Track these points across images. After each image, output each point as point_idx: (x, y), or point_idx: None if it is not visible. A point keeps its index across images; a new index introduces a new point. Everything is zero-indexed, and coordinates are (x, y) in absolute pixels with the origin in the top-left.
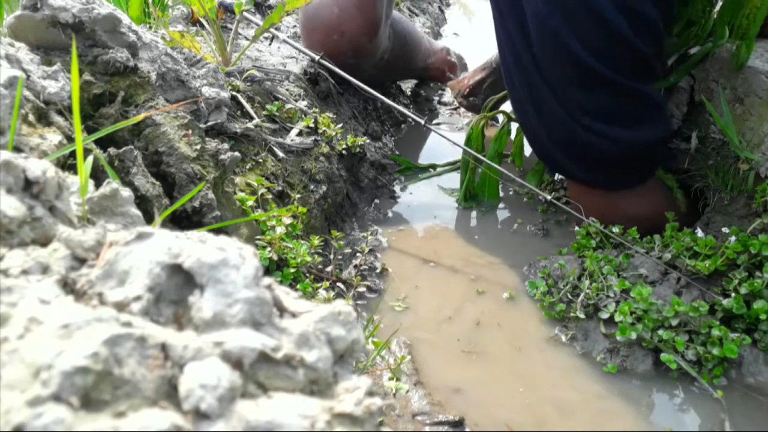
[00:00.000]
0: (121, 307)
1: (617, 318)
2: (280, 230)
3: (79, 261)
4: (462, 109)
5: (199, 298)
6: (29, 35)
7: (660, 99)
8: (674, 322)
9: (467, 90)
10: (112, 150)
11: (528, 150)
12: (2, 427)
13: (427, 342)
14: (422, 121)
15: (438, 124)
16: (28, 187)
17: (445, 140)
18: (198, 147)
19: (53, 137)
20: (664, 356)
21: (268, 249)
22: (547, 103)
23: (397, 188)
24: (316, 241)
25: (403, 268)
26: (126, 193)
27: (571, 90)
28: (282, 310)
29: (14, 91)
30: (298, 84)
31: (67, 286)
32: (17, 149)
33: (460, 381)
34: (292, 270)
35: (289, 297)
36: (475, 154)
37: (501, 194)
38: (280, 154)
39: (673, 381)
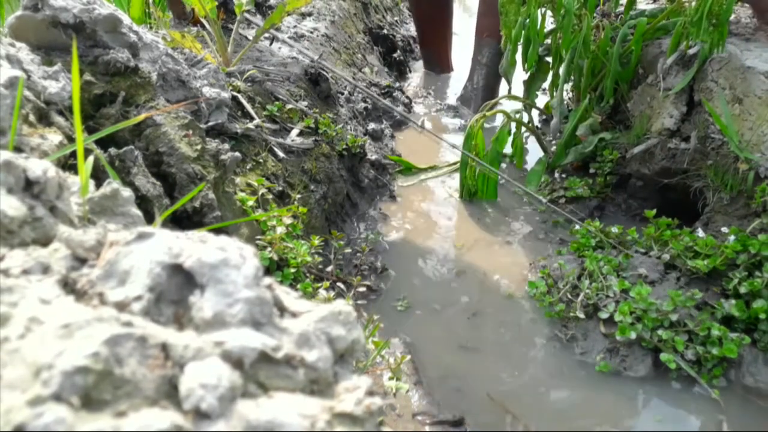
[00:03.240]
0: (121, 307)
1: (617, 318)
2: (280, 230)
3: (80, 261)
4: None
5: (200, 298)
6: (30, 35)
7: None
8: (674, 317)
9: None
10: (112, 150)
11: (527, 150)
12: (3, 427)
13: (428, 342)
14: (417, 125)
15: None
16: (29, 187)
17: (445, 141)
18: (198, 147)
19: (54, 137)
20: (663, 356)
21: (269, 249)
22: None
23: (397, 188)
24: (316, 241)
25: (404, 268)
26: (126, 193)
27: None
28: (282, 310)
29: (15, 92)
30: (298, 84)
31: (68, 286)
32: (18, 149)
33: (460, 381)
34: (293, 270)
35: (289, 297)
36: (481, 162)
37: (502, 196)
38: (281, 154)
39: (672, 381)
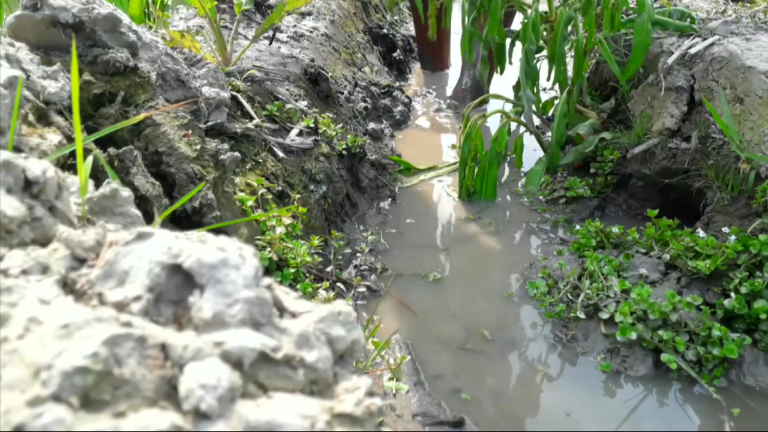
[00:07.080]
0: (120, 307)
1: (617, 318)
2: (280, 230)
3: (79, 261)
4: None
5: (199, 298)
6: (29, 35)
7: None
8: (674, 318)
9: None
10: (112, 150)
11: (528, 150)
12: (2, 427)
13: (427, 342)
14: None
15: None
16: (28, 187)
17: (445, 141)
18: (198, 147)
19: (53, 137)
20: (664, 356)
21: (268, 249)
22: None
23: (397, 188)
24: (316, 241)
25: (404, 269)
26: (126, 193)
27: None
28: (282, 310)
29: (14, 91)
30: (298, 84)
31: (67, 286)
32: (17, 149)
33: (460, 381)
34: (292, 270)
35: (289, 297)
36: None
37: (502, 196)
38: (280, 154)
39: (673, 381)
